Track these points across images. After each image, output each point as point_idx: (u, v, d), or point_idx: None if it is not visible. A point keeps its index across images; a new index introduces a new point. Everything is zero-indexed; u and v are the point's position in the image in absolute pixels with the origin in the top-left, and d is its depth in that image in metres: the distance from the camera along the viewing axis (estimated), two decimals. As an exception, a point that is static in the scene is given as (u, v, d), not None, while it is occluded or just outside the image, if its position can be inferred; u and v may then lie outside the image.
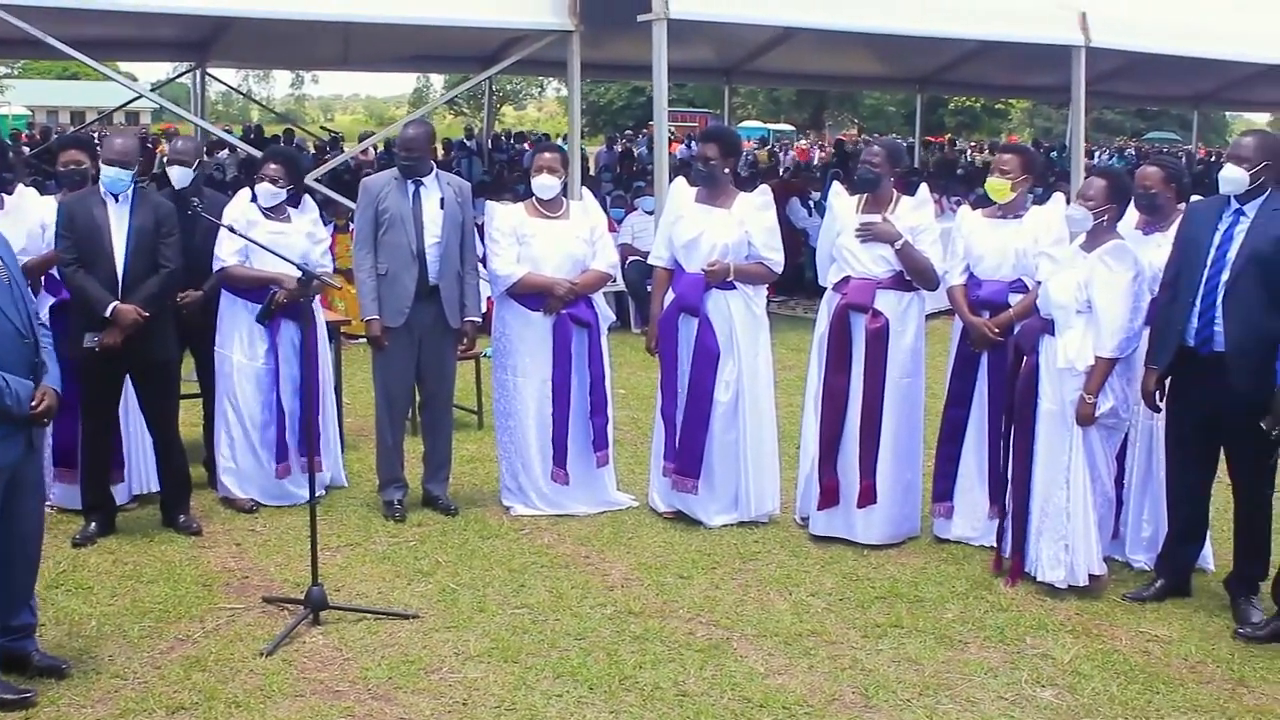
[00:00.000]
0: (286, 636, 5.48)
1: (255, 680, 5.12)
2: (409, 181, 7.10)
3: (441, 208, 7.12)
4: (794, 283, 15.04)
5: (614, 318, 8.62)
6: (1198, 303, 5.77)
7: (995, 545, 6.49)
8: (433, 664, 5.30)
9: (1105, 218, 6.07)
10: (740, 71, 22.81)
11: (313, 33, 15.11)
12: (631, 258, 13.06)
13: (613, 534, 6.98)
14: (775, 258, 7.07)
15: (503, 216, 7.29)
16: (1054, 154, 30.97)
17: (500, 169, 21.12)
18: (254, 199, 7.26)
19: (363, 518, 7.20)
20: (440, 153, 24.53)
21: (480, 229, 7.69)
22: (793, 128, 53.12)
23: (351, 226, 8.67)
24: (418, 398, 7.66)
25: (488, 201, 8.17)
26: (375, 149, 22.19)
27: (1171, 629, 5.83)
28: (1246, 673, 5.37)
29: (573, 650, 5.45)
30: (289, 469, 7.33)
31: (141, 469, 7.32)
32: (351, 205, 8.79)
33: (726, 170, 7.15)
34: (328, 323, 7.96)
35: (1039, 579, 6.18)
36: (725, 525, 7.06)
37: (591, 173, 22.39)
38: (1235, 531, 6.03)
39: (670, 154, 15.81)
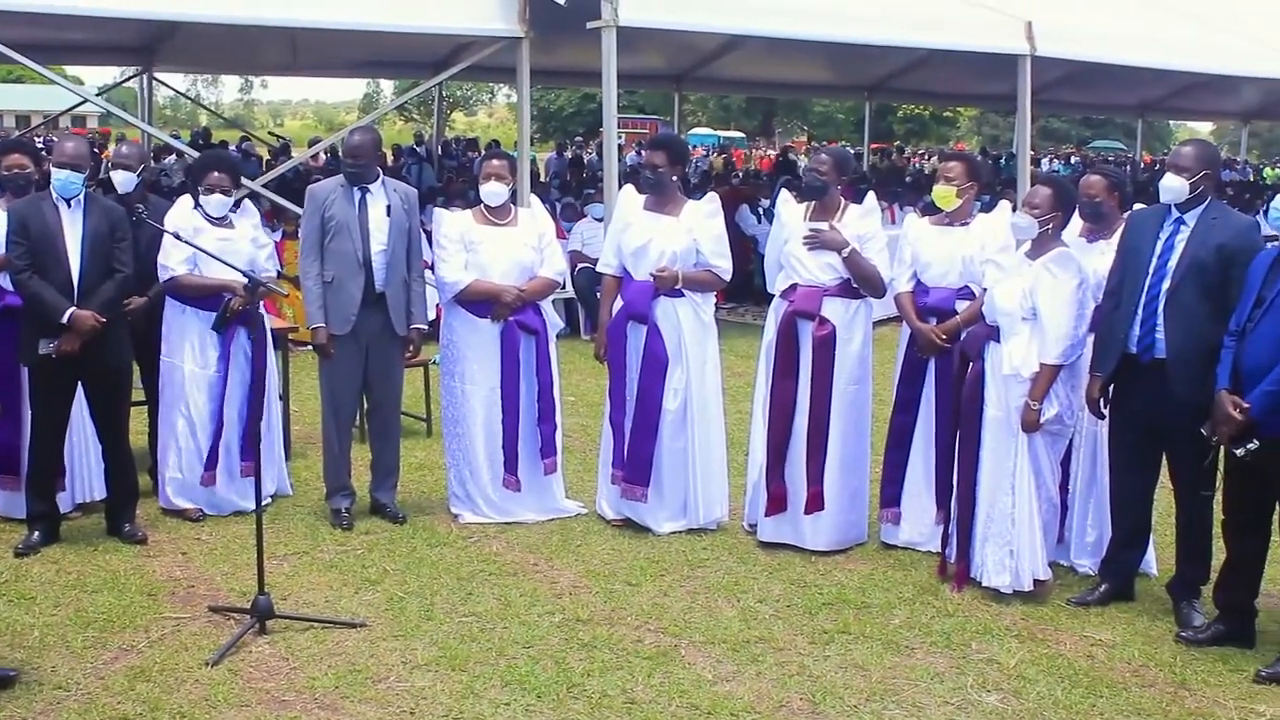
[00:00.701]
0: (232, 646, 5.43)
1: (200, 690, 5.08)
2: (355, 188, 7.07)
3: (388, 215, 7.09)
4: (743, 290, 15.10)
5: (563, 325, 8.64)
6: (1140, 310, 5.84)
7: (941, 551, 6.53)
8: (380, 673, 5.28)
9: (1050, 225, 6.13)
10: (690, 78, 22.84)
11: (260, 38, 15.03)
12: (581, 265, 13.06)
13: (561, 541, 6.98)
14: (723, 265, 7.10)
15: (450, 223, 7.28)
16: (1001, 161, 31.24)
17: (450, 175, 21.06)
18: (196, 205, 7.19)
19: (310, 526, 7.16)
20: (390, 159, 24.45)
21: (429, 235, 7.67)
22: (742, 135, 53.26)
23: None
24: (365, 405, 7.62)
25: (435, 208, 8.16)
26: (324, 154, 22.08)
27: (1115, 633, 5.88)
28: (1188, 676, 5.43)
29: (521, 658, 5.44)
30: (214, 478, 7.26)
31: (85, 477, 7.23)
32: (300, 211, 8.74)
33: (674, 178, 7.17)
34: (274, 330, 7.91)
35: (985, 584, 6.23)
36: (674, 532, 7.07)
37: (542, 179, 22.39)
38: (1177, 536, 6.10)
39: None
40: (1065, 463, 6.51)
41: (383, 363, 7.21)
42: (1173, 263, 5.79)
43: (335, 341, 7.05)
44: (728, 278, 7.19)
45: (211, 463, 7.23)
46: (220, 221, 7.18)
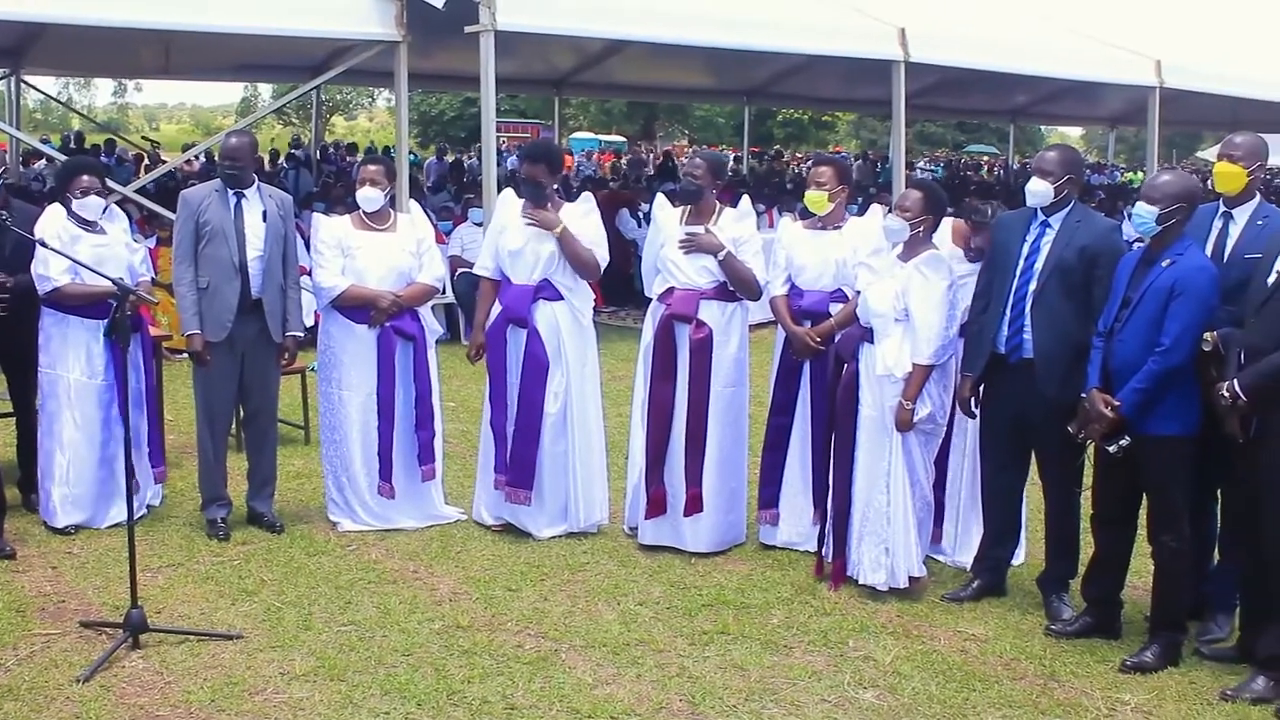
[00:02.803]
0: (104, 661, 5.33)
1: (71, 708, 4.98)
2: (231, 193, 6.99)
3: (264, 220, 7.02)
4: (624, 293, 15.13)
5: (443, 331, 8.59)
6: (1007, 311, 5.98)
7: (819, 550, 6.62)
8: (257, 685, 5.21)
9: (921, 228, 6.24)
10: (571, 83, 22.87)
11: (133, 40, 14.75)
12: (461, 270, 13.00)
13: (441, 548, 6.95)
14: (600, 250, 7.09)
15: (327, 228, 7.23)
16: (880, 165, 31.70)
17: (328, 180, 20.84)
18: (69, 214, 7.04)
19: (185, 537, 7.05)
20: (267, 163, 24.14)
21: (307, 240, 7.60)
22: (624, 139, 53.37)
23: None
24: (241, 413, 7.53)
25: (313, 213, 8.08)
26: (198, 159, 21.72)
27: (988, 628, 6.00)
28: (1058, 668, 5.57)
29: (400, 666, 5.41)
30: (137, 486, 7.11)
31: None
32: (174, 217, 8.60)
33: (553, 186, 7.18)
34: (150, 337, 7.76)
35: (861, 582, 6.32)
36: (554, 536, 7.07)
37: (430, 183, 22.23)
38: (1046, 532, 6.25)
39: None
40: (944, 461, 6.64)
41: (259, 370, 7.13)
42: (1039, 265, 5.93)
43: (210, 349, 6.95)
44: (603, 261, 7.11)
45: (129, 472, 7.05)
46: (91, 227, 7.04)
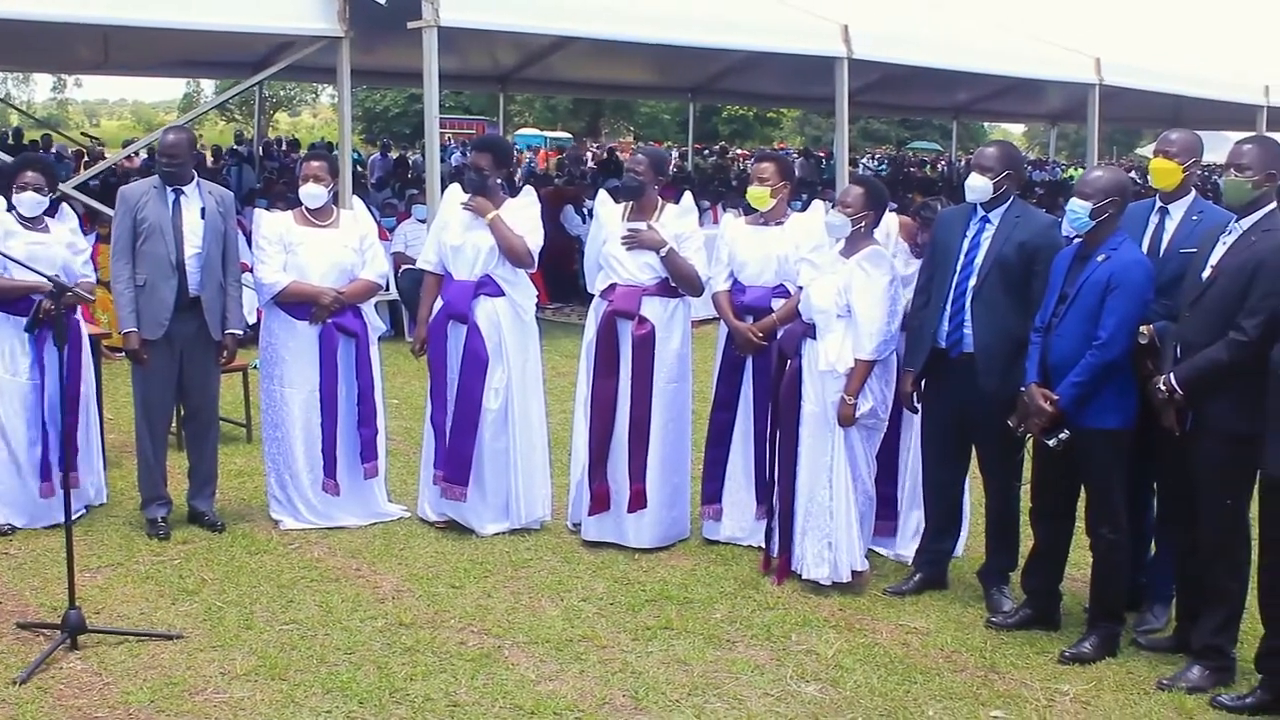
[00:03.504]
0: (42, 663, 5.26)
1: (7, 710, 4.92)
2: (169, 190, 6.93)
3: (202, 217, 6.96)
4: (568, 289, 15.13)
5: (385, 327, 8.56)
6: (948, 306, 6.02)
7: (763, 545, 6.64)
8: (197, 685, 5.18)
9: (862, 224, 6.27)
10: (515, 79, 22.84)
11: (71, 35, 14.57)
12: (404, 266, 12.95)
13: (384, 545, 6.92)
14: (533, 238, 7.06)
15: (269, 224, 7.19)
16: (824, 162, 31.84)
17: (270, 176, 20.71)
18: (10, 208, 6.96)
19: (125, 536, 6.98)
20: (210, 159, 23.95)
21: (249, 236, 7.55)
22: (569, 135, 53.34)
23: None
24: (182, 411, 7.46)
25: (255, 209, 8.03)
26: (138, 155, 21.50)
27: (929, 621, 6.05)
28: (998, 659, 5.62)
29: (342, 665, 5.38)
30: (54, 488, 7.03)
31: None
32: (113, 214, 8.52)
33: (499, 180, 7.17)
34: (90, 336, 7.68)
35: (804, 577, 6.35)
36: (497, 533, 7.06)
37: (374, 180, 22.13)
38: (987, 525, 6.30)
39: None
40: (895, 456, 6.70)
41: (198, 368, 7.07)
42: (979, 260, 5.98)
43: (148, 347, 6.89)
44: (535, 248, 7.05)
45: (46, 473, 6.98)
46: (34, 224, 6.96)
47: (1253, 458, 5.07)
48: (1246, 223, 5.20)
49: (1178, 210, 5.73)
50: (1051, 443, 5.55)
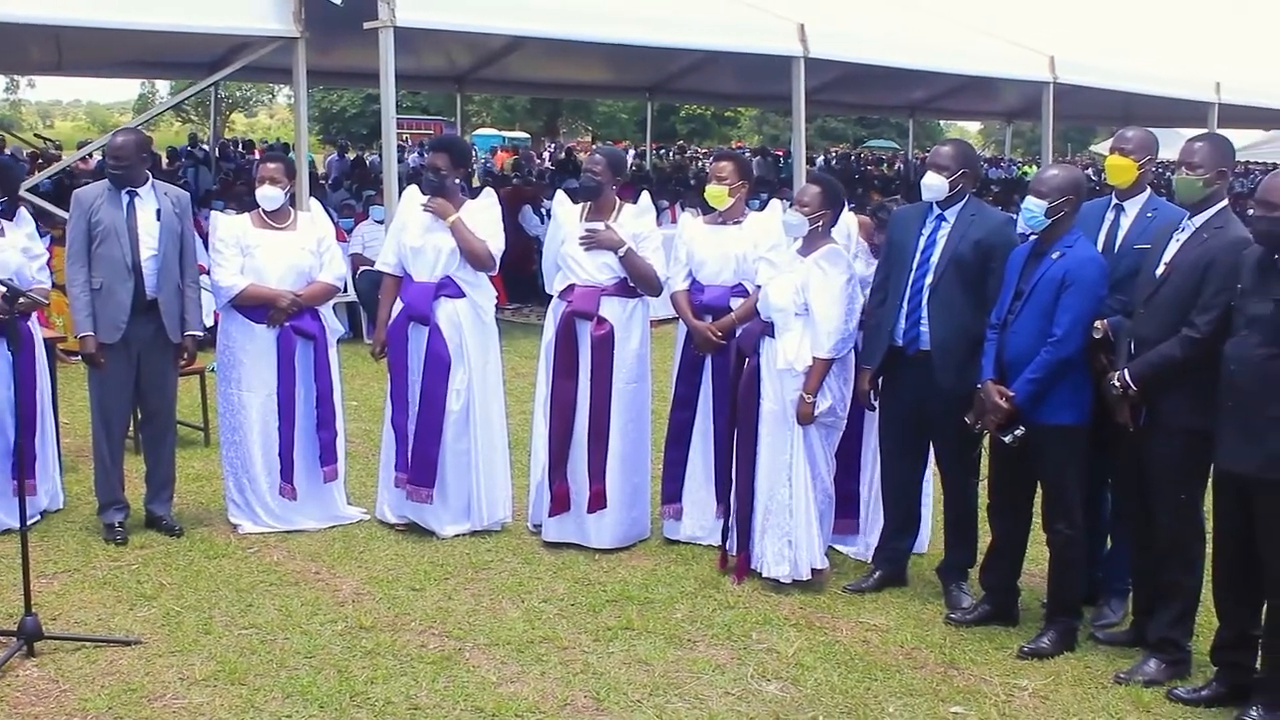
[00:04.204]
0: (-3, 670, 5.23)
1: (-38, 718, 4.89)
2: (124, 192, 6.87)
3: (158, 219, 6.91)
4: (527, 290, 15.09)
5: (344, 330, 8.52)
6: (904, 304, 6.06)
7: (723, 544, 6.66)
8: (156, 691, 5.14)
9: (820, 223, 6.29)
10: (472, 79, 22.77)
11: (23, 36, 14.41)
12: (362, 268, 12.90)
13: (344, 548, 6.90)
14: (493, 243, 7.05)
15: (226, 227, 7.16)
16: (781, 160, 31.94)
17: (227, 178, 20.58)
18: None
19: (82, 542, 6.93)
20: (165, 161, 23.77)
21: (205, 239, 7.50)
22: (527, 135, 53.26)
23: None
24: (139, 415, 7.41)
25: (212, 211, 7.98)
26: (92, 157, 21.32)
27: (889, 618, 6.08)
28: (957, 655, 5.65)
29: (302, 669, 5.36)
30: (32, 489, 6.96)
31: None
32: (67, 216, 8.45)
33: (457, 180, 7.16)
34: (45, 340, 7.61)
35: (765, 575, 6.36)
36: (458, 535, 7.05)
37: (330, 180, 22.02)
38: (945, 522, 6.34)
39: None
40: (856, 454, 6.73)
41: (155, 371, 7.02)
42: (935, 258, 6.01)
43: (105, 350, 6.84)
44: (496, 251, 7.05)
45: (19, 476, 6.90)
46: (-9, 229, 6.90)
47: (1206, 453, 5.13)
48: (1199, 220, 5.26)
49: (1133, 207, 5.79)
50: (1007, 439, 5.59)
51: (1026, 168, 37.21)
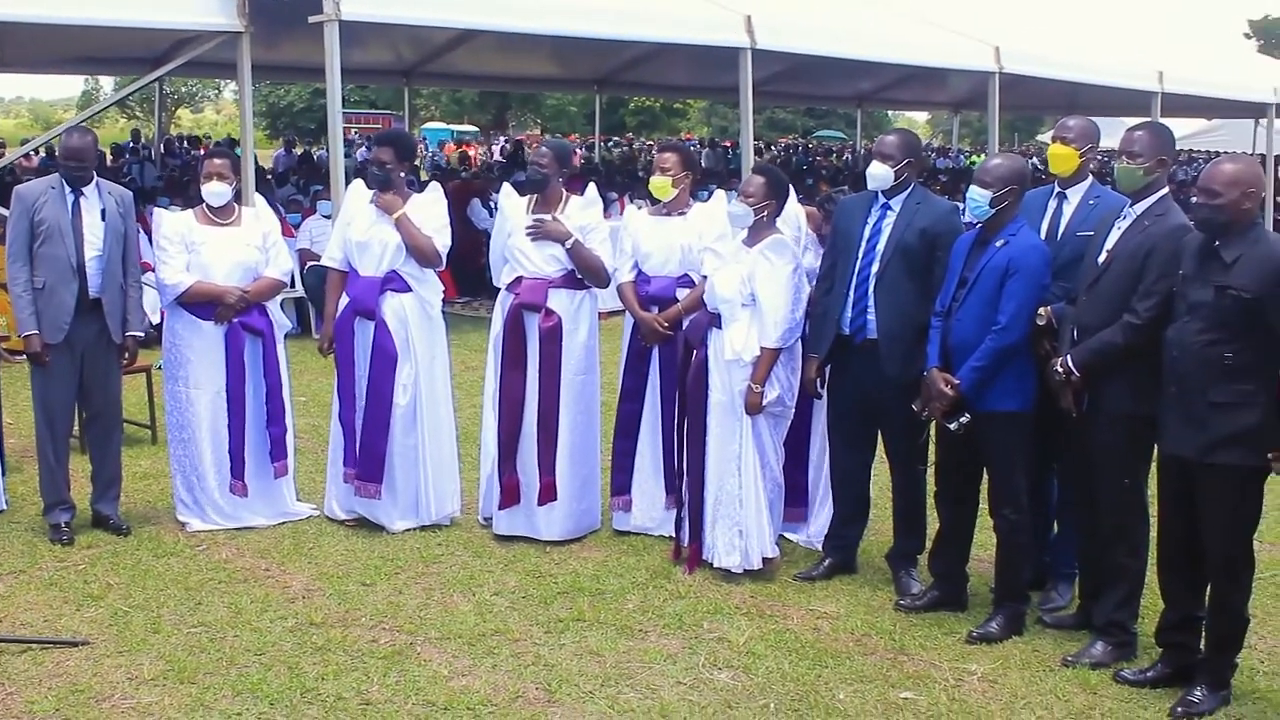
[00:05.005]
0: (-58, 673, 5.19)
1: (-93, 721, 4.84)
2: (69, 191, 6.80)
3: (103, 219, 6.84)
4: (476, 283, 15.06)
5: (292, 325, 8.47)
6: (851, 293, 6.09)
7: (673, 534, 6.68)
8: (104, 691, 5.11)
9: (765, 213, 6.31)
10: (420, 73, 22.71)
11: (-39, 33, 14.27)
12: (310, 263, 12.84)
13: (293, 545, 6.87)
14: (440, 239, 7.02)
15: (171, 224, 7.10)
16: (730, 152, 32.00)
17: (173, 174, 20.41)
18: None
19: (27, 543, 6.86)
20: (109, 158, 23.54)
21: (150, 235, 7.44)
22: (476, 129, 53.10)
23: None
24: (84, 414, 7.34)
25: (155, 209, 7.92)
26: (35, 154, 21.09)
27: (839, 605, 6.11)
28: (907, 641, 5.69)
29: (252, 666, 5.34)
30: None
31: None
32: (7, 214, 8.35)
33: (402, 173, 7.13)
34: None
35: (715, 565, 6.39)
36: (407, 530, 7.03)
37: (276, 174, 21.88)
38: (893, 509, 6.37)
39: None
40: (805, 443, 6.75)
41: (99, 371, 6.96)
42: (881, 246, 6.05)
43: (49, 350, 6.77)
44: (444, 246, 7.02)
45: None
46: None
47: (1149, 437, 5.19)
48: (1140, 208, 5.31)
49: (1075, 195, 5.84)
50: (953, 426, 5.63)
51: (974, 157, 37.43)
